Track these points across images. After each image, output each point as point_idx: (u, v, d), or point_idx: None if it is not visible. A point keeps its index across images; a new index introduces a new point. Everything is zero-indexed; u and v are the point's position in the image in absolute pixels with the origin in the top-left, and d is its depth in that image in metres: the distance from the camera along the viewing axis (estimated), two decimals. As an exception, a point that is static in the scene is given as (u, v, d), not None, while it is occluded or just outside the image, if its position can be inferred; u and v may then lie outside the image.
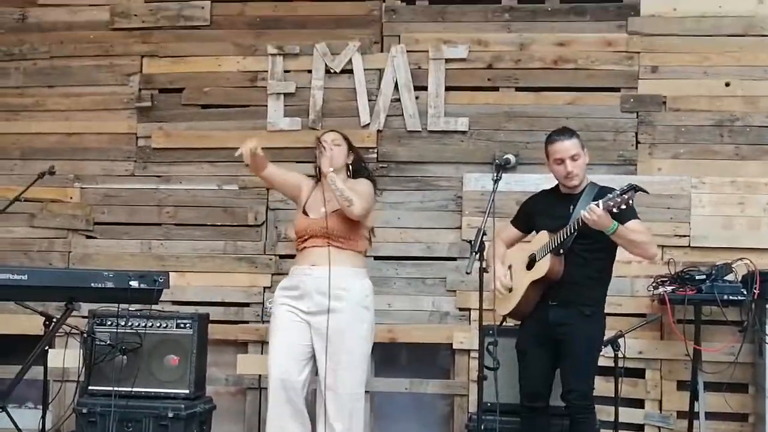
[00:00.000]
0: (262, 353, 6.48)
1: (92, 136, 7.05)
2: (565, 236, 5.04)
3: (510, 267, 5.39)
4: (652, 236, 5.23)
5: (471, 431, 5.78)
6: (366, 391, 6.37)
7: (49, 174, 6.13)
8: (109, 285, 5.30)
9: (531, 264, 5.27)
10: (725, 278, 5.79)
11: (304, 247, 5.28)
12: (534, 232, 5.41)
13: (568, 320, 5.14)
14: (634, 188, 4.80)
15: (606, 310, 5.34)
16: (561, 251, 5.10)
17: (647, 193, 4.95)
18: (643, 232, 5.10)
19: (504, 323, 5.45)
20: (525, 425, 5.38)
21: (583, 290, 5.16)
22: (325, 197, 5.28)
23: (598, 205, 4.83)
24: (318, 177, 5.42)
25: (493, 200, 5.06)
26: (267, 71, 6.89)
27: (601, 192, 5.11)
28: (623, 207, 4.82)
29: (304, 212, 5.35)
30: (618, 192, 4.81)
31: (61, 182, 6.91)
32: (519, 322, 5.43)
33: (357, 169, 5.48)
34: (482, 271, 5.02)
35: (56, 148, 7.02)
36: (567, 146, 5.19)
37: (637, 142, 6.54)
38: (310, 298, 5.18)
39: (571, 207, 5.16)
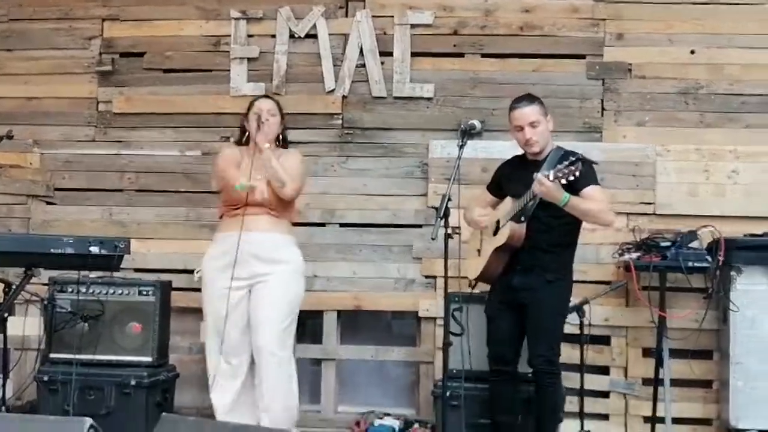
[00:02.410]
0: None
1: (52, 101, 6.95)
2: (523, 204, 5.06)
3: (481, 233, 5.41)
4: (608, 204, 5.23)
5: (437, 398, 5.77)
6: (331, 359, 6.44)
7: (7, 138, 5.98)
8: (69, 251, 5.26)
9: (497, 230, 5.27)
10: (690, 245, 5.81)
11: (237, 215, 5.27)
12: None
13: (532, 285, 5.17)
14: (581, 159, 4.80)
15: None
16: (522, 218, 5.11)
17: (596, 163, 4.97)
18: (599, 200, 5.10)
19: (473, 289, 5.45)
20: (493, 389, 5.41)
21: (547, 256, 5.18)
22: (254, 165, 5.26)
23: (547, 176, 4.81)
24: (243, 141, 5.47)
25: (458, 166, 5.06)
26: (230, 35, 6.80)
27: (565, 156, 5.10)
28: (572, 178, 4.81)
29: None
30: (566, 163, 4.80)
31: (20, 147, 6.79)
32: (487, 289, 5.45)
33: (285, 136, 5.54)
34: (447, 237, 5.00)
35: (15, 112, 6.90)
36: (526, 113, 5.19)
37: (603, 110, 6.54)
38: (247, 264, 5.21)
39: (534, 173, 5.15)
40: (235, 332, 5.28)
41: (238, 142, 5.55)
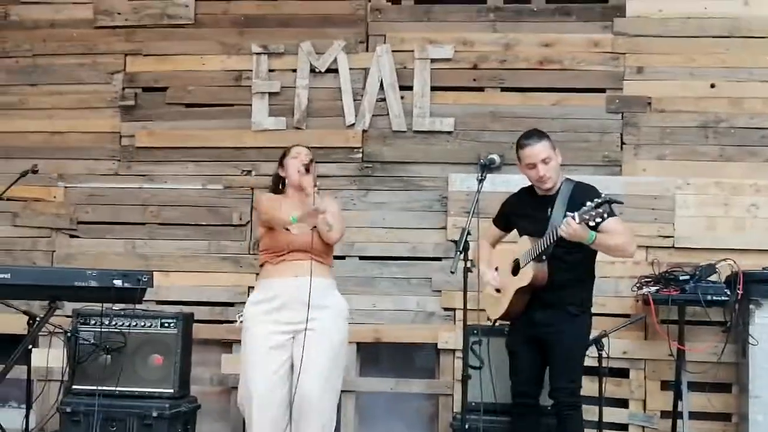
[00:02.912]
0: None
1: (75, 135, 7.02)
2: (546, 245, 5.05)
3: (497, 269, 5.42)
4: (631, 235, 5.22)
5: (455, 431, 5.77)
6: (351, 391, 6.43)
7: (32, 173, 6.09)
8: (93, 284, 5.27)
9: (516, 269, 5.28)
10: (709, 279, 5.81)
11: (283, 260, 5.17)
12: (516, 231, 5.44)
13: (555, 321, 5.16)
14: (609, 201, 4.77)
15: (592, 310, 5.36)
16: (543, 258, 5.11)
17: (622, 203, 4.94)
18: (622, 232, 5.10)
19: (493, 324, 5.47)
20: (515, 422, 5.43)
21: (568, 292, 5.18)
22: (299, 212, 5.12)
23: (574, 218, 4.82)
24: (279, 188, 5.34)
25: (477, 200, 5.08)
26: (251, 70, 6.87)
27: (577, 190, 5.13)
28: (599, 220, 4.80)
29: (285, 228, 5.18)
30: (592, 205, 4.77)
31: (44, 181, 6.87)
32: (508, 323, 5.46)
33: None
34: (467, 270, 5.01)
35: (39, 146, 6.98)
36: (537, 150, 5.18)
37: (622, 143, 6.55)
38: (292, 308, 5.08)
39: (549, 209, 5.17)
40: (275, 378, 5.09)
41: (274, 191, 5.39)
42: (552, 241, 4.99)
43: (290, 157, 5.28)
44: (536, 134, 5.26)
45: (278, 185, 5.38)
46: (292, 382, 5.05)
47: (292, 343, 5.09)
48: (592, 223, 4.81)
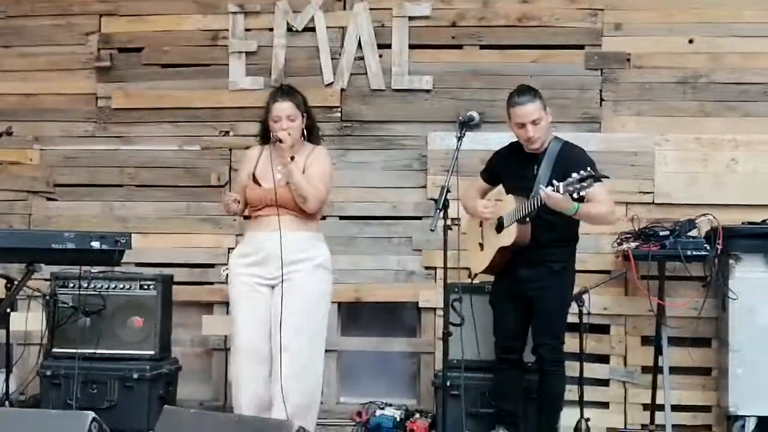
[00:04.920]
0: (227, 314, 6.41)
1: (51, 97, 6.96)
2: (530, 210, 5.06)
3: (481, 224, 5.42)
4: (612, 203, 5.25)
5: (437, 388, 5.80)
6: (333, 350, 6.43)
7: (6, 135, 6.04)
8: (70, 246, 5.23)
9: (500, 227, 5.29)
10: (689, 234, 5.80)
11: (259, 215, 5.19)
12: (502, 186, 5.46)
13: (538, 278, 5.22)
14: (593, 176, 4.74)
15: (573, 268, 5.38)
16: (527, 219, 5.12)
17: (608, 178, 4.91)
18: (604, 201, 5.12)
19: (472, 281, 5.49)
20: (497, 377, 5.49)
21: (551, 251, 5.22)
22: (275, 165, 5.14)
23: (558, 189, 4.81)
24: (265, 139, 5.26)
25: (456, 158, 5.07)
26: (228, 30, 6.81)
27: (565, 150, 5.13)
28: (582, 193, 4.80)
29: (256, 182, 5.19)
30: (578, 178, 4.76)
31: (20, 144, 6.82)
32: (487, 279, 5.50)
33: (310, 129, 5.34)
34: (447, 228, 5.01)
35: (14, 109, 6.92)
36: (529, 111, 5.18)
37: (602, 100, 6.54)
38: (270, 263, 5.09)
39: (536, 167, 5.19)
40: (260, 330, 5.14)
41: (262, 140, 5.32)
42: (536, 206, 5.00)
43: (271, 119, 5.21)
44: (529, 93, 5.24)
45: (264, 135, 5.30)
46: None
47: (271, 295, 5.12)
48: (575, 195, 4.80)
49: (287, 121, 5.17)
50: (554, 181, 4.88)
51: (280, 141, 5.09)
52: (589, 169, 4.79)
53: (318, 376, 5.23)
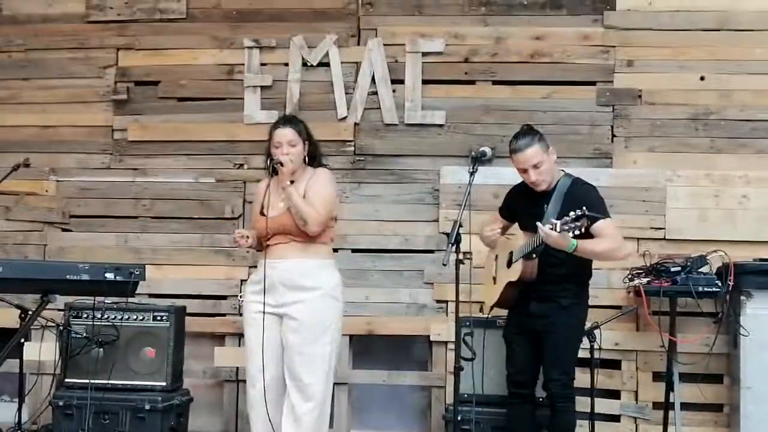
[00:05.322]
0: (239, 345, 6.47)
1: (68, 129, 7.02)
2: (534, 246, 5.07)
3: (497, 257, 5.45)
4: (620, 240, 5.23)
5: (448, 422, 5.80)
6: (344, 383, 6.44)
7: (24, 166, 6.11)
8: (85, 277, 5.26)
9: (510, 262, 5.32)
10: (700, 270, 5.82)
11: (268, 245, 5.22)
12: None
13: (548, 313, 5.22)
14: (586, 216, 4.73)
15: (585, 303, 5.39)
16: (534, 256, 5.13)
17: (602, 217, 4.91)
18: (610, 236, 5.11)
19: (488, 315, 5.53)
20: (510, 411, 5.48)
21: (562, 286, 5.22)
22: (276, 194, 5.20)
23: (555, 228, 4.82)
24: (270, 170, 5.26)
25: (469, 193, 5.12)
26: (243, 64, 6.87)
27: (574, 187, 5.15)
28: (577, 232, 4.80)
29: (262, 213, 5.21)
30: (573, 217, 4.76)
31: (36, 175, 6.87)
32: (500, 313, 5.53)
33: (312, 155, 5.38)
34: (459, 262, 5.03)
35: (32, 140, 6.98)
36: (528, 156, 5.19)
37: (613, 136, 6.56)
38: (276, 291, 5.14)
39: (545, 205, 5.20)
40: (267, 357, 5.14)
41: (268, 171, 5.29)
42: (540, 242, 5.00)
43: (272, 144, 5.28)
44: (527, 137, 5.23)
45: (269, 166, 5.31)
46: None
47: (281, 323, 5.16)
48: (572, 234, 4.81)
49: (288, 146, 5.23)
50: (552, 219, 4.91)
51: (281, 164, 5.15)
52: (584, 208, 4.78)
53: (325, 406, 5.22)
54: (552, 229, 4.82)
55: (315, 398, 5.09)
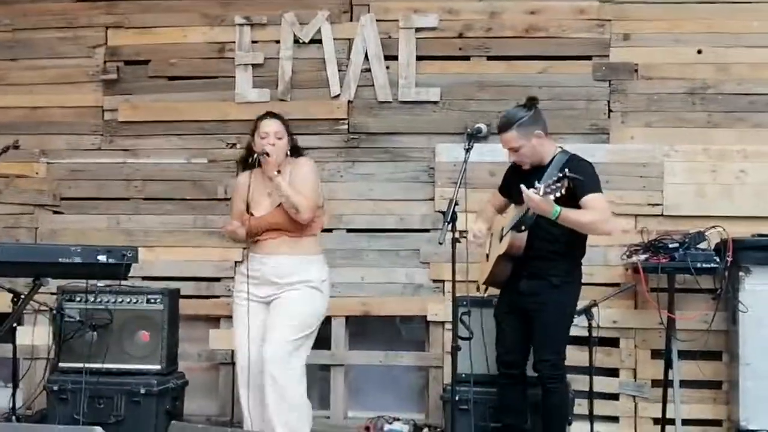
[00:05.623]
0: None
1: (57, 110, 6.95)
2: (521, 216, 5.05)
3: (492, 235, 5.40)
4: (607, 213, 5.18)
5: (446, 402, 5.77)
6: (340, 365, 6.41)
7: (13, 148, 6.02)
8: (77, 260, 5.22)
9: (501, 237, 5.28)
10: (698, 246, 5.79)
11: (258, 240, 5.25)
12: None
13: (538, 291, 5.18)
14: (567, 177, 4.72)
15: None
16: (522, 228, 5.10)
17: (579, 178, 4.85)
18: (597, 209, 5.05)
19: (485, 294, 5.49)
20: (501, 392, 5.43)
21: (551, 264, 5.18)
22: (267, 189, 5.26)
23: (538, 191, 4.78)
24: (253, 163, 5.26)
25: (464, 170, 5.04)
26: (234, 42, 6.79)
27: (570, 164, 5.09)
28: (558, 195, 4.77)
29: (249, 212, 5.24)
30: (555, 179, 4.76)
31: (26, 157, 6.80)
32: (497, 293, 5.47)
33: (295, 145, 5.43)
34: (455, 241, 4.98)
35: (21, 122, 6.91)
36: (506, 140, 5.20)
37: (609, 111, 6.50)
38: (265, 285, 5.20)
39: (537, 182, 5.14)
40: (253, 345, 5.20)
41: (248, 165, 5.30)
42: (525, 211, 4.97)
43: (258, 135, 5.28)
44: (506, 122, 5.21)
45: (250, 158, 5.32)
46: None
47: (266, 311, 5.23)
48: (552, 197, 4.77)
49: (274, 137, 5.25)
50: (536, 183, 4.86)
51: (267, 154, 5.16)
52: (566, 170, 4.76)
53: (301, 396, 5.25)
54: (536, 193, 4.78)
55: (284, 385, 5.12)
